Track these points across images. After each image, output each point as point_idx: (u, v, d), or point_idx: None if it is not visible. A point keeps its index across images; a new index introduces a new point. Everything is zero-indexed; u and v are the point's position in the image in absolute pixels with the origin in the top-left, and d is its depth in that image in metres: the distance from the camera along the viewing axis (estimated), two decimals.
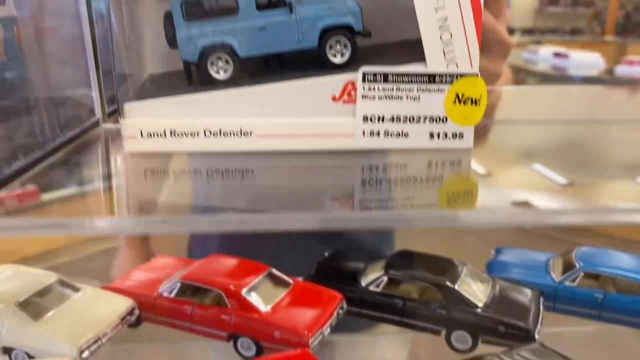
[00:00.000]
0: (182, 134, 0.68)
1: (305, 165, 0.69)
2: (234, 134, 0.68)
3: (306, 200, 0.64)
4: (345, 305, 1.08)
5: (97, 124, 0.75)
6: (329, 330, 1.03)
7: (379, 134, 0.68)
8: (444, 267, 1.10)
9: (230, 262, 1.14)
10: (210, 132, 0.68)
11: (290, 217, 0.56)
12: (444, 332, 1.05)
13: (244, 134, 0.68)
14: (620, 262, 1.13)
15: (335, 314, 1.05)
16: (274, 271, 1.11)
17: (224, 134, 0.68)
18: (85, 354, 0.95)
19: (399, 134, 0.69)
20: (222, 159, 0.70)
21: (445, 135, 0.69)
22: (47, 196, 0.69)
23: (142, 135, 0.68)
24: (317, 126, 0.67)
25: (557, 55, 5.46)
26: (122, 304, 1.05)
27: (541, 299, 1.08)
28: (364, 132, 0.68)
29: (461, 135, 0.69)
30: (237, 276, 1.07)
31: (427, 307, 1.06)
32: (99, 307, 1.04)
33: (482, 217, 0.61)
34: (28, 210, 0.67)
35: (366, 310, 1.11)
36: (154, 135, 0.68)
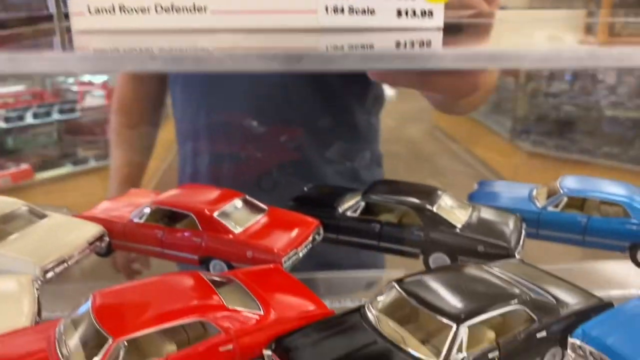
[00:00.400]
0: (131, 10, 0.64)
1: (264, 46, 0.65)
2: (187, 10, 0.64)
3: None
4: (322, 231, 1.05)
5: (50, 18, 0.71)
6: (304, 252, 1.00)
7: (343, 10, 0.65)
8: (422, 192, 1.07)
9: (204, 189, 1.11)
10: (162, 8, 0.64)
11: (256, 56, 0.52)
12: (422, 255, 1.02)
13: (198, 10, 0.64)
14: (604, 187, 1.10)
15: (310, 238, 1.02)
16: (249, 198, 1.08)
17: (176, 10, 0.65)
18: (50, 274, 0.92)
19: (365, 11, 0.65)
20: (175, 37, 0.66)
21: (414, 13, 0.65)
22: None
23: (89, 11, 0.64)
24: (276, 1, 0.64)
25: None
26: (91, 230, 1.02)
27: (523, 224, 1.05)
28: (327, 8, 0.64)
29: (430, 14, 0.65)
30: (210, 200, 1.03)
31: (405, 230, 1.02)
32: (67, 232, 1.01)
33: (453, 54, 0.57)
34: None
35: (343, 236, 1.07)
36: (102, 11, 0.64)
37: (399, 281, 0.78)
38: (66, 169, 4.48)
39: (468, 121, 5.57)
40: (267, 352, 0.73)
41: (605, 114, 5.08)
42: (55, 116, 4.47)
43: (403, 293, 0.76)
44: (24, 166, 4.28)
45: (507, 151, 5.10)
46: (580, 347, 0.74)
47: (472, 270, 0.82)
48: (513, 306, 0.74)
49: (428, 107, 1.26)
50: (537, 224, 1.08)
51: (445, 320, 0.70)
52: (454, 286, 0.76)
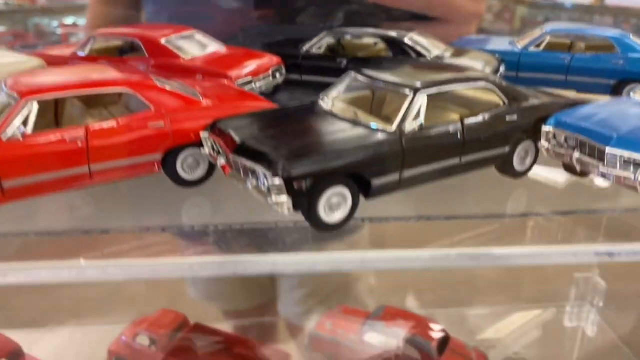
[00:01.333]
0: None
1: None
2: None
3: None
4: (284, 71, 0.97)
5: None
6: (261, 85, 0.91)
7: None
8: (391, 27, 0.98)
9: (156, 25, 1.03)
10: None
11: None
12: None
13: None
14: (592, 28, 1.02)
15: (270, 72, 0.93)
16: (204, 33, 0.99)
17: None
18: None
19: None
20: None
21: None
22: None
23: None
24: None
25: None
26: (30, 62, 0.93)
27: (502, 64, 0.96)
28: None
29: None
30: (159, 30, 0.95)
31: (373, 63, 0.94)
32: (3, 59, 0.92)
33: None
34: None
35: (307, 76, 0.99)
36: None
37: (357, 70, 0.70)
38: None
39: None
40: (204, 135, 0.65)
41: None
42: None
43: (359, 76, 0.68)
44: None
45: None
46: (554, 134, 0.67)
47: (438, 62, 0.74)
48: (480, 83, 0.66)
49: None
50: (517, 66, 1.00)
51: (402, 91, 0.62)
52: (415, 69, 0.68)
